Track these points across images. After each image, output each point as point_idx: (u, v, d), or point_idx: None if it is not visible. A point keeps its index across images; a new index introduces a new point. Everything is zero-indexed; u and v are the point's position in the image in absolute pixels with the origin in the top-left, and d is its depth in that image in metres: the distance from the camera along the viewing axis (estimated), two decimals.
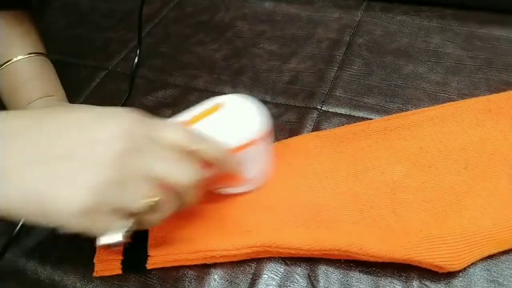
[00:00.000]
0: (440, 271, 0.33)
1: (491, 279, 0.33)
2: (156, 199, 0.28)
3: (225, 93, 0.51)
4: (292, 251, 0.34)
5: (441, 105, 0.45)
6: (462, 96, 0.46)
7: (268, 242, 0.35)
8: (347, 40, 0.56)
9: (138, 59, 0.56)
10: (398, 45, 0.54)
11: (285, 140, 0.44)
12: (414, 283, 0.33)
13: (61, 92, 0.48)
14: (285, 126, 0.46)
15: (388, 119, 0.44)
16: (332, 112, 0.47)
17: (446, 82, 0.49)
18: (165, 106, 0.51)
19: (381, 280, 0.34)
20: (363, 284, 0.34)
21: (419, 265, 0.33)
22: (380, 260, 0.33)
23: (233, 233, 0.36)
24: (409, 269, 0.34)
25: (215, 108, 0.36)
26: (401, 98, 0.48)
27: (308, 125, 0.46)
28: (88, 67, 0.58)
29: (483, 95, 0.45)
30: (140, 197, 0.28)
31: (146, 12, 0.67)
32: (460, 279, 0.33)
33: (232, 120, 0.35)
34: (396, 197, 0.37)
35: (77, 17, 0.68)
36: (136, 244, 0.34)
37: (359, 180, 0.39)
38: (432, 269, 0.33)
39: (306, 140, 0.43)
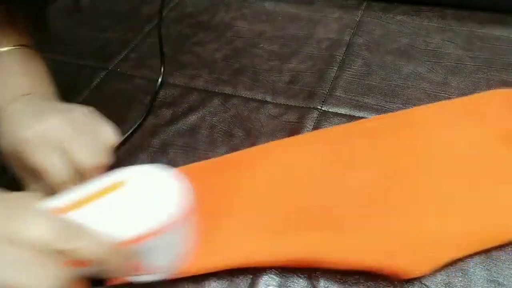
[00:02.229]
0: (401, 278, 0.32)
1: (491, 279, 0.33)
2: None
3: (225, 93, 0.51)
4: (255, 265, 0.34)
5: (411, 108, 0.45)
6: (462, 96, 0.46)
7: (232, 257, 0.34)
8: (347, 40, 0.56)
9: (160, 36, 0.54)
10: (398, 45, 0.54)
11: (261, 146, 0.43)
12: (414, 283, 0.33)
13: (45, 88, 0.42)
14: (285, 126, 0.46)
15: (360, 123, 0.44)
16: (332, 112, 0.47)
17: (446, 82, 0.49)
18: (165, 106, 0.51)
19: (381, 280, 0.34)
20: (362, 284, 0.34)
21: (381, 272, 0.33)
22: (343, 268, 0.33)
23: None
24: None
25: (114, 186, 0.30)
26: (401, 98, 0.48)
27: (308, 125, 0.46)
28: (88, 67, 0.58)
29: None
30: None
31: (146, 12, 0.67)
32: (460, 279, 0.33)
33: (133, 203, 0.29)
34: (363, 203, 0.37)
35: (77, 17, 0.68)
36: None
37: (327, 187, 0.39)
38: (392, 277, 0.33)
39: (273, 147, 0.43)
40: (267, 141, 0.44)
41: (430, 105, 0.45)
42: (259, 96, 0.50)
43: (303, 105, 0.49)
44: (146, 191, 0.30)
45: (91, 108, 0.39)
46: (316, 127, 0.46)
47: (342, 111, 0.47)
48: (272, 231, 0.36)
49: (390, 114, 0.45)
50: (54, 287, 0.24)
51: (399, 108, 0.46)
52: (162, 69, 0.54)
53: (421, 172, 0.39)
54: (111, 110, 0.51)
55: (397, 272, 0.32)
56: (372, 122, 0.44)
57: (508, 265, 0.34)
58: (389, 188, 0.38)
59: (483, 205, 0.35)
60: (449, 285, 0.33)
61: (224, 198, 0.38)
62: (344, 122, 0.46)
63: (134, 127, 0.48)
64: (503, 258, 0.34)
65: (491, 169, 0.38)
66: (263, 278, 0.35)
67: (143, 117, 0.49)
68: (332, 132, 0.44)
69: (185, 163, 0.43)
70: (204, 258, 0.34)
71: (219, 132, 0.46)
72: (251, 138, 0.45)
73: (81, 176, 0.34)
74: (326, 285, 0.34)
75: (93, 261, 0.26)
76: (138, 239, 0.28)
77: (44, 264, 0.25)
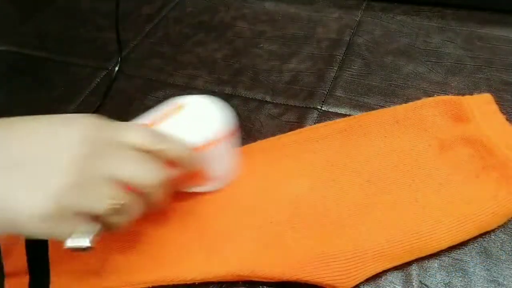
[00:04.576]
0: None
1: (491, 279, 0.33)
2: (120, 201, 0.28)
3: (225, 93, 0.51)
4: (188, 281, 0.34)
5: (352, 116, 0.44)
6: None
7: (163, 276, 0.34)
8: (347, 40, 0.56)
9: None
10: (398, 45, 0.54)
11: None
12: (414, 283, 0.33)
13: None
14: (285, 126, 0.46)
15: (300, 132, 0.44)
16: (332, 112, 0.47)
17: (446, 82, 0.49)
18: None
19: (380, 280, 0.34)
20: (363, 285, 0.34)
21: (311, 283, 0.32)
22: (272, 281, 0.33)
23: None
24: (409, 269, 0.34)
25: (177, 109, 0.36)
26: (401, 98, 0.47)
27: (308, 125, 0.46)
28: (88, 67, 0.58)
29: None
30: (103, 200, 0.27)
31: (146, 12, 0.67)
32: (460, 279, 0.33)
33: (194, 120, 0.36)
34: (297, 212, 0.37)
35: (77, 17, 0.68)
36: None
37: (263, 196, 0.38)
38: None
39: None
40: None
41: (370, 112, 0.44)
42: (259, 96, 0.50)
43: (303, 105, 0.49)
44: (202, 113, 0.36)
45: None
46: None
47: (342, 111, 0.47)
48: (206, 246, 0.36)
49: (330, 122, 0.44)
50: (159, 177, 0.30)
51: None
52: (119, 59, 0.57)
53: (353, 182, 0.38)
54: (111, 110, 0.51)
55: (328, 283, 0.32)
56: (303, 134, 0.43)
57: (508, 265, 0.34)
58: (320, 199, 0.37)
59: (412, 216, 0.35)
60: (449, 285, 0.33)
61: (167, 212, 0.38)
62: None
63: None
64: (503, 258, 0.34)
65: (424, 179, 0.38)
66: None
67: (97, 106, 0.50)
68: (269, 142, 0.43)
69: None
70: (139, 271, 0.35)
71: None
72: (251, 138, 0.45)
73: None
74: None
75: (180, 162, 0.31)
76: (203, 146, 0.35)
77: (153, 161, 0.30)
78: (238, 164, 0.40)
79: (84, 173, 0.27)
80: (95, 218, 0.28)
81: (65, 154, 0.27)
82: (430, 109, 0.43)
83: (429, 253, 0.34)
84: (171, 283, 0.34)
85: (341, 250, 0.33)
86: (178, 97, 0.37)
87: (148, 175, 0.29)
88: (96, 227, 0.28)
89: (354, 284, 0.33)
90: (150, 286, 0.34)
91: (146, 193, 0.29)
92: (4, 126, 0.28)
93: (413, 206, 0.36)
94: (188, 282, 0.34)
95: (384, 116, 0.43)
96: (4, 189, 0.25)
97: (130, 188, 0.29)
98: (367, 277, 0.33)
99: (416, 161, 0.39)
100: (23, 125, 0.28)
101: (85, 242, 0.27)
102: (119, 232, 0.30)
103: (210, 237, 0.36)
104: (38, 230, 0.26)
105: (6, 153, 0.26)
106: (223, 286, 0.35)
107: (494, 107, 0.42)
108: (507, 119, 0.42)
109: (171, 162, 0.31)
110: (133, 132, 0.30)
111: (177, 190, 0.37)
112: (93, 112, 0.50)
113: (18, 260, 0.33)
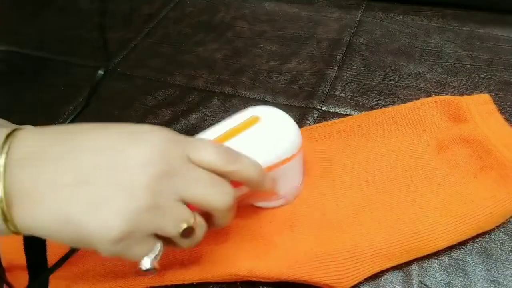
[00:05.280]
0: None
1: (491, 279, 0.33)
2: (192, 224, 0.27)
3: (225, 93, 0.51)
4: (186, 282, 0.34)
5: (350, 117, 0.44)
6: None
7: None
8: (347, 40, 0.56)
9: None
10: (398, 45, 0.54)
11: None
12: (414, 283, 0.33)
13: None
14: None
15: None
16: (332, 112, 0.47)
17: (446, 82, 0.49)
18: (165, 106, 0.51)
19: (380, 280, 0.34)
20: (362, 285, 0.34)
21: (308, 283, 0.33)
22: (270, 281, 0.33)
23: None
24: (409, 269, 0.34)
25: (251, 122, 0.34)
26: (401, 98, 0.48)
27: (308, 125, 0.46)
28: (88, 67, 0.58)
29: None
30: (175, 222, 0.26)
31: (146, 12, 0.67)
32: (460, 279, 0.33)
33: (269, 137, 0.34)
34: (296, 212, 0.37)
35: (77, 17, 0.68)
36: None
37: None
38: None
39: None
40: None
41: (368, 113, 0.44)
42: (259, 96, 0.50)
43: (303, 105, 0.49)
44: (276, 129, 0.35)
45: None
46: None
47: (342, 111, 0.47)
48: (202, 247, 0.35)
49: (328, 122, 0.44)
50: (230, 201, 0.28)
51: None
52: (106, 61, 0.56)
53: (352, 182, 0.38)
54: (111, 110, 0.51)
55: (326, 283, 0.32)
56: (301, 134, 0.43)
57: (508, 265, 0.34)
58: (318, 199, 0.37)
59: (411, 216, 0.35)
60: (449, 285, 0.33)
61: None
62: None
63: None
64: (503, 258, 0.34)
65: (423, 180, 0.38)
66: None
67: (81, 108, 0.49)
68: None
69: None
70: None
71: None
72: None
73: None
74: None
75: (249, 183, 0.30)
76: (276, 165, 0.33)
77: (224, 183, 0.28)
78: (304, 177, 0.39)
79: (158, 194, 0.25)
80: (163, 239, 0.27)
81: (141, 173, 0.25)
82: (428, 109, 0.43)
83: (427, 253, 0.34)
84: (169, 283, 0.34)
85: (339, 250, 0.33)
86: (252, 107, 0.35)
87: (219, 198, 0.28)
88: (160, 248, 0.27)
89: (352, 284, 0.33)
90: (148, 287, 0.34)
91: (214, 215, 0.28)
92: (75, 134, 0.26)
93: (411, 206, 0.36)
94: (186, 282, 0.34)
95: (383, 116, 0.43)
96: (78, 207, 0.24)
97: (195, 208, 0.27)
98: (365, 277, 0.33)
99: (415, 161, 0.39)
100: (94, 136, 0.26)
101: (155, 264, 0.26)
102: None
103: (207, 237, 0.36)
104: (109, 250, 0.25)
105: (77, 167, 0.25)
106: (223, 286, 0.35)
107: (492, 107, 0.42)
108: (506, 119, 0.42)
109: (238, 182, 0.29)
110: (206, 150, 0.28)
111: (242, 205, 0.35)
112: (86, 110, 0.50)
113: (17, 261, 0.33)
